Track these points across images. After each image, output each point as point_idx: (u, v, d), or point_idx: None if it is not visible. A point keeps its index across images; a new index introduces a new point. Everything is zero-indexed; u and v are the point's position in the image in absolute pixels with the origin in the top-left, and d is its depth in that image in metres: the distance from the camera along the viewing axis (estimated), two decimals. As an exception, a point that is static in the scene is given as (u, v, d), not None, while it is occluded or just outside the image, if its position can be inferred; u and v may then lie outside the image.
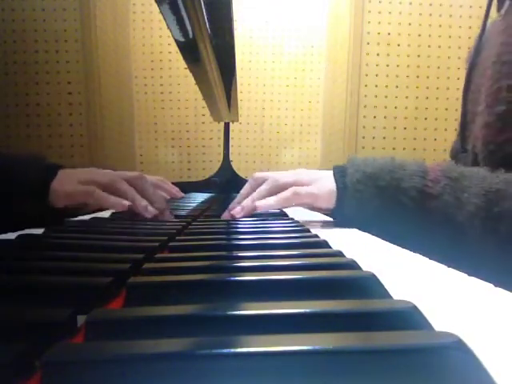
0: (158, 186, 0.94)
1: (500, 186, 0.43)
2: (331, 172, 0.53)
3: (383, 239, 0.45)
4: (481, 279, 0.24)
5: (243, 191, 0.59)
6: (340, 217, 0.53)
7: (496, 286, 0.23)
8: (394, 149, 1.27)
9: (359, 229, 0.49)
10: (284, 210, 0.68)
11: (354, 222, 0.50)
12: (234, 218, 0.55)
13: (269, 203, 0.53)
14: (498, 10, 0.62)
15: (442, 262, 0.28)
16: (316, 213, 0.78)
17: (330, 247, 0.33)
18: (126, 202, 0.52)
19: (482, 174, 0.45)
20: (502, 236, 0.42)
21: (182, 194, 1.01)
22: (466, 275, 0.25)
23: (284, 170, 0.66)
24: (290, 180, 0.54)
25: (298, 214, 0.67)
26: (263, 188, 0.55)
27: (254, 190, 0.57)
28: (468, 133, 0.65)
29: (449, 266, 0.27)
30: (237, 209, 0.55)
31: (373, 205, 0.48)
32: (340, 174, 0.52)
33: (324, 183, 0.52)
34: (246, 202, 0.55)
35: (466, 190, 0.44)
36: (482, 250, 0.44)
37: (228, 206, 0.59)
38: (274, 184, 0.55)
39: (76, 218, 0.55)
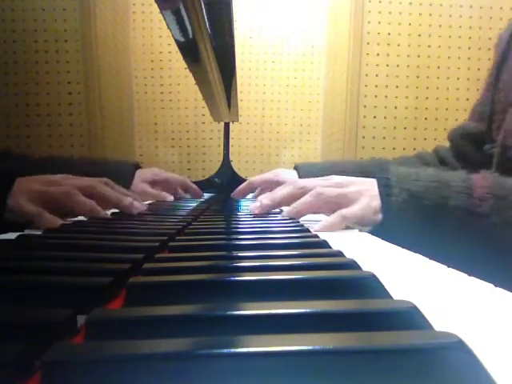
0: (184, 186, 0.92)
1: None
2: (375, 188, 0.50)
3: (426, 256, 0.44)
4: None
5: (281, 193, 0.56)
6: (381, 235, 0.51)
7: (496, 285, 0.23)
8: (394, 149, 1.27)
9: (401, 246, 0.47)
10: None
11: (396, 239, 0.48)
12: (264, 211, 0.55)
13: (324, 226, 0.49)
14: None
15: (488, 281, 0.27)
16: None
17: (330, 247, 0.33)
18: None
19: None
20: None
21: (202, 195, 0.99)
22: (465, 275, 0.25)
23: (284, 169, 0.66)
24: (334, 194, 0.51)
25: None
26: (308, 200, 0.52)
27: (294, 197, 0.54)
28: (495, 124, 0.63)
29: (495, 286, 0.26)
30: (287, 211, 0.54)
31: (417, 225, 0.47)
32: (385, 191, 0.49)
33: (369, 202, 0.49)
34: (291, 211, 0.53)
35: None
36: None
37: (228, 206, 0.59)
38: (318, 198, 0.52)
39: (76, 218, 0.55)
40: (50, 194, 0.50)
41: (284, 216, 0.53)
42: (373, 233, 0.52)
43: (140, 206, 0.57)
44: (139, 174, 0.79)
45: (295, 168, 0.85)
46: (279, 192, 0.56)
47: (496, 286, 0.23)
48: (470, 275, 0.32)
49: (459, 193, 0.45)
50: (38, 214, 0.48)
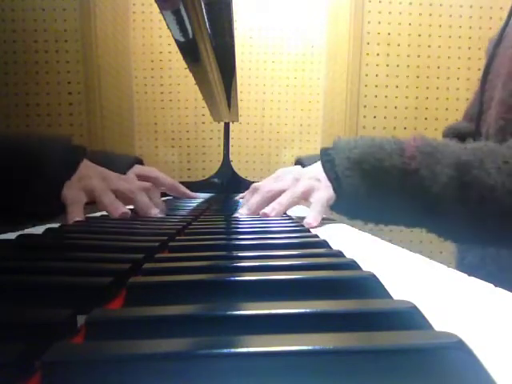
0: (172, 189, 0.93)
1: (468, 156, 0.47)
2: (319, 164, 0.56)
3: (377, 221, 0.51)
4: (453, 242, 0.26)
5: (254, 200, 0.61)
6: (340, 207, 0.55)
7: (496, 286, 0.23)
8: (393, 149, 1.27)
9: (355, 214, 0.53)
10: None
11: (351, 209, 0.53)
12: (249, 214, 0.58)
13: (315, 218, 0.53)
14: None
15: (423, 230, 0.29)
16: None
17: (330, 247, 0.33)
18: (124, 209, 0.54)
19: (452, 146, 0.49)
20: (472, 203, 0.46)
21: (196, 195, 1.00)
22: (465, 275, 0.25)
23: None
24: (301, 190, 0.56)
25: (298, 213, 0.67)
26: (285, 200, 0.57)
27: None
28: (482, 122, 0.67)
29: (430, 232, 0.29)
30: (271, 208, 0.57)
31: (362, 188, 0.51)
32: (328, 165, 0.54)
33: (324, 182, 0.54)
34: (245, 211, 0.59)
35: (439, 161, 0.48)
36: (456, 218, 0.48)
37: (228, 206, 0.59)
38: (265, 195, 0.58)
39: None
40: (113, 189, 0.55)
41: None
42: (334, 209, 0.57)
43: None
44: (134, 169, 0.81)
45: (298, 162, 0.87)
46: (252, 200, 0.60)
47: (496, 285, 0.23)
48: (409, 227, 0.36)
49: (392, 154, 0.50)
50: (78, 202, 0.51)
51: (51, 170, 0.51)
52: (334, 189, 0.53)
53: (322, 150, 0.56)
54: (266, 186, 0.62)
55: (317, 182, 0.55)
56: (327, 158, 0.55)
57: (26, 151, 0.50)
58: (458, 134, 0.76)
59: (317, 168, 0.56)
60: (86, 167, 0.55)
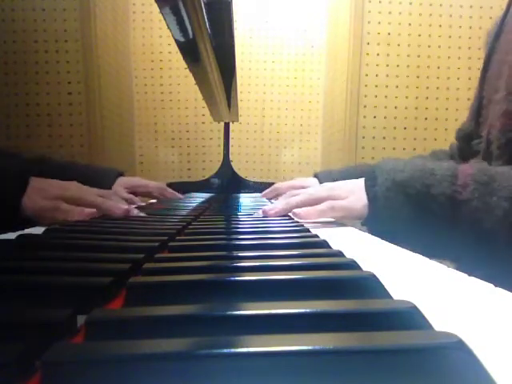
0: (161, 193, 0.96)
1: None
2: (363, 181, 0.54)
3: (415, 249, 0.43)
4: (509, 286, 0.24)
5: (297, 199, 0.60)
6: (373, 226, 0.53)
7: (496, 286, 0.23)
8: (393, 149, 1.27)
9: (392, 239, 0.47)
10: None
11: (386, 231, 0.49)
12: (266, 215, 0.57)
13: (309, 213, 0.54)
14: None
15: (472, 269, 0.27)
16: None
17: (330, 247, 0.33)
18: (89, 210, 0.55)
19: (510, 175, 0.44)
20: None
21: (181, 196, 1.02)
22: (466, 275, 0.25)
23: (284, 169, 0.66)
24: (324, 194, 0.55)
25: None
26: (298, 199, 0.56)
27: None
28: (482, 119, 0.65)
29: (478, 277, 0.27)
30: (272, 208, 0.57)
31: (403, 213, 0.48)
32: (370, 183, 0.52)
33: (357, 195, 0.53)
34: (283, 205, 0.57)
35: (494, 193, 0.43)
36: (508, 255, 0.43)
37: (228, 206, 0.59)
38: (308, 197, 0.56)
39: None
40: (64, 197, 0.54)
41: (297, 214, 0.56)
42: (365, 226, 0.55)
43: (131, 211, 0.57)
44: (119, 182, 0.86)
45: (315, 176, 0.89)
46: (294, 198, 0.58)
47: (496, 285, 0.23)
48: (458, 263, 0.32)
49: (442, 180, 0.46)
50: (56, 207, 0.53)
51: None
52: (370, 207, 0.51)
53: (365, 166, 0.55)
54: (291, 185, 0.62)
55: (348, 193, 0.54)
56: (371, 175, 0.53)
57: None
58: (462, 135, 0.76)
59: (358, 183, 0.55)
60: (40, 181, 0.55)
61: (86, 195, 0.57)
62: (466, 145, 0.71)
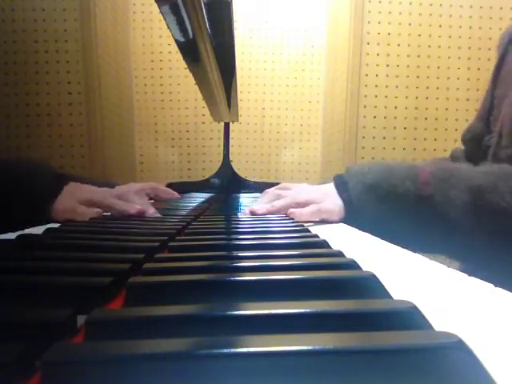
0: (157, 190, 0.96)
1: (481, 180, 0.47)
2: (333, 186, 0.57)
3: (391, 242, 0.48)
4: (472, 270, 0.25)
5: (263, 200, 0.64)
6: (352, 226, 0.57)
7: (496, 285, 0.23)
8: (393, 149, 1.27)
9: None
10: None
11: (362, 229, 0.53)
12: (253, 214, 0.59)
13: (301, 214, 0.56)
14: None
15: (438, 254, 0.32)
16: None
17: (330, 247, 0.33)
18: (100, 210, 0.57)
19: (465, 170, 0.50)
20: (487, 227, 0.46)
21: (177, 195, 1.02)
22: (466, 275, 0.25)
23: (284, 169, 0.66)
24: (306, 198, 0.58)
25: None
26: (282, 203, 0.59)
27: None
28: (493, 117, 0.67)
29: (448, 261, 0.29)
30: (260, 208, 0.60)
31: (377, 213, 0.52)
32: (343, 188, 0.56)
33: (333, 199, 0.56)
34: (269, 207, 0.60)
35: (453, 187, 0.48)
36: (472, 242, 0.48)
37: (228, 206, 0.60)
38: (292, 201, 0.59)
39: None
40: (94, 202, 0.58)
41: (292, 213, 0.57)
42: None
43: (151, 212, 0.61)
44: (113, 192, 0.87)
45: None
46: (279, 202, 0.61)
47: (496, 285, 0.23)
48: (425, 253, 0.35)
49: (405, 179, 0.51)
50: (72, 209, 0.55)
51: (35, 189, 0.54)
52: (346, 210, 0.54)
53: (335, 176, 0.58)
54: (279, 187, 0.65)
55: (325, 196, 0.57)
56: (340, 180, 0.56)
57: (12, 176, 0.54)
58: (472, 137, 0.77)
59: (327, 188, 0.58)
60: (73, 186, 0.60)
61: (104, 198, 0.59)
62: (476, 145, 0.73)
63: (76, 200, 0.56)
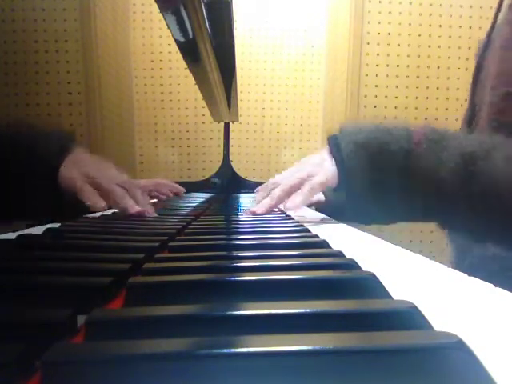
0: (160, 186, 0.96)
1: (475, 147, 0.47)
2: (326, 151, 0.56)
3: (378, 209, 0.51)
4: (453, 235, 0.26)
5: (258, 198, 0.62)
6: (347, 193, 0.54)
7: (496, 285, 0.23)
8: (393, 149, 1.27)
9: (356, 201, 0.52)
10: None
11: (352, 190, 0.53)
12: (254, 214, 0.58)
13: (295, 202, 0.55)
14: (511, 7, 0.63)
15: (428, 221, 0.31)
16: (316, 212, 0.78)
17: (330, 247, 0.33)
18: (103, 203, 0.56)
19: (459, 137, 0.50)
20: (476, 194, 0.46)
21: (183, 190, 1.02)
22: (465, 275, 0.25)
23: (284, 169, 0.67)
24: (300, 176, 0.56)
25: (298, 213, 0.67)
26: (279, 191, 0.57)
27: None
28: (475, 124, 0.67)
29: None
30: (260, 207, 0.58)
31: (369, 172, 0.51)
32: (335, 149, 0.54)
33: (325, 167, 0.55)
34: (269, 202, 0.58)
35: (445, 149, 0.48)
36: (459, 208, 0.48)
37: (228, 206, 0.59)
38: (288, 186, 0.57)
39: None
40: (96, 182, 0.56)
41: (287, 208, 0.56)
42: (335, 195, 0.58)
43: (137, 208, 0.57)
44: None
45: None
46: (276, 192, 0.59)
47: (496, 285, 0.23)
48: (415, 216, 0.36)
49: (399, 138, 0.50)
50: (80, 188, 0.54)
51: (43, 153, 0.54)
52: (338, 171, 0.53)
53: (328, 136, 0.56)
54: (270, 181, 0.64)
55: (317, 167, 0.56)
56: (334, 141, 0.55)
57: (17, 140, 0.54)
58: None
59: (322, 153, 0.57)
60: (80, 153, 0.58)
61: (107, 182, 0.57)
62: None
63: (80, 174, 0.55)
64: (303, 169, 0.58)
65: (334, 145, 0.54)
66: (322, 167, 0.55)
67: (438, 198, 0.49)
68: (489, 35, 0.67)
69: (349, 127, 0.56)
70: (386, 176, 0.50)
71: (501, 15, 0.65)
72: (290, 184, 0.57)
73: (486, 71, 0.65)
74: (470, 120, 0.69)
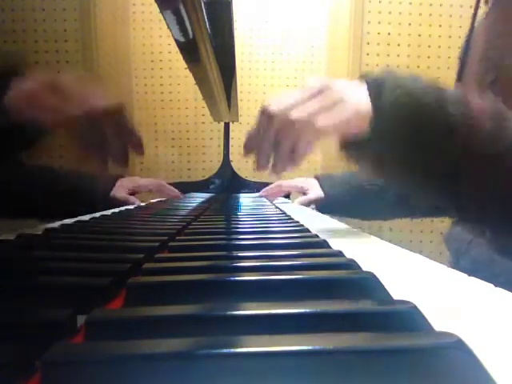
0: (158, 190, 1.01)
1: None
2: (363, 87, 0.43)
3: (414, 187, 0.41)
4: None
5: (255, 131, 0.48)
6: (373, 146, 0.42)
7: (496, 285, 0.23)
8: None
9: (387, 165, 0.42)
10: (285, 210, 0.68)
11: (384, 149, 0.42)
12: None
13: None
14: (486, 2, 0.63)
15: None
16: (316, 212, 0.78)
17: (330, 247, 0.33)
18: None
19: None
20: None
21: (180, 196, 1.04)
22: (465, 275, 0.25)
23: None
24: (336, 97, 0.42)
25: (299, 213, 0.67)
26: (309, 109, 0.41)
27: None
28: None
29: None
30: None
31: (413, 124, 0.40)
32: (376, 90, 0.42)
33: (354, 105, 0.42)
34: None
35: (507, 126, 0.40)
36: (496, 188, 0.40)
37: (228, 206, 0.59)
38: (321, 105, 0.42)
39: (76, 218, 0.55)
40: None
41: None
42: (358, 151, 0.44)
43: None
44: (120, 183, 0.96)
45: (315, 178, 0.94)
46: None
47: (496, 286, 0.23)
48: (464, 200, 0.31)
49: (458, 102, 0.41)
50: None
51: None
52: (375, 117, 0.41)
53: (367, 75, 0.44)
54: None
55: (349, 95, 0.42)
56: (375, 83, 0.43)
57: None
58: None
59: (358, 87, 0.43)
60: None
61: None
62: None
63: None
64: (325, 92, 0.43)
65: (375, 86, 0.42)
66: (348, 100, 0.42)
67: (491, 171, 0.41)
68: (468, 40, 0.66)
69: (396, 72, 0.44)
70: (438, 139, 0.40)
71: (479, 13, 0.65)
72: (324, 104, 0.41)
73: (467, 77, 0.65)
74: None
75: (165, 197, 1.03)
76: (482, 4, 0.63)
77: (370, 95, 0.42)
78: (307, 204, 0.92)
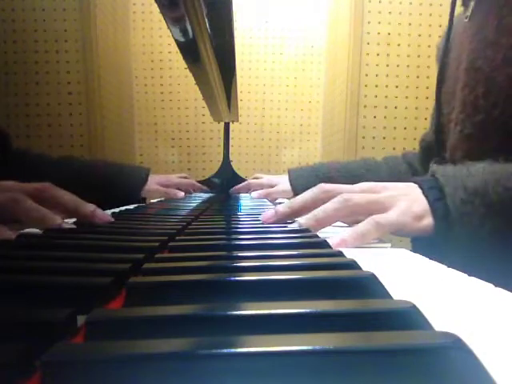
0: (193, 187, 1.14)
1: None
2: (415, 192, 0.42)
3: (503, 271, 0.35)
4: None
5: (301, 199, 0.47)
6: (442, 248, 0.40)
7: (496, 285, 0.23)
8: (394, 149, 1.27)
9: (472, 262, 0.37)
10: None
11: (462, 252, 0.39)
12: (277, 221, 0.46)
13: (344, 240, 0.38)
14: (464, 3, 0.61)
15: None
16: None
17: (330, 247, 0.33)
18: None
19: None
20: None
21: (182, 194, 1.07)
22: (465, 275, 0.25)
23: (284, 169, 0.66)
24: (364, 201, 0.42)
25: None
26: (331, 207, 0.42)
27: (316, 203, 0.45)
28: (444, 136, 0.64)
29: None
30: (306, 218, 0.44)
31: (487, 229, 0.38)
32: (433, 191, 0.40)
33: (409, 207, 0.40)
34: (310, 220, 0.43)
35: None
36: None
37: (228, 206, 0.59)
38: (345, 204, 0.42)
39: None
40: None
41: (301, 225, 0.43)
42: (418, 245, 0.44)
43: (102, 215, 0.48)
44: (153, 180, 1.02)
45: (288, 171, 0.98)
46: (299, 198, 0.47)
47: (496, 285, 0.23)
48: None
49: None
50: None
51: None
52: (440, 227, 0.39)
53: (420, 180, 0.43)
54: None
55: (397, 200, 0.41)
56: (429, 184, 0.41)
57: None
58: (427, 147, 0.76)
59: (408, 187, 0.43)
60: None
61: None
62: (429, 157, 0.70)
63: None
64: (375, 191, 0.43)
65: (431, 188, 0.41)
66: (402, 202, 0.41)
67: None
68: (446, 39, 0.65)
69: (447, 169, 0.43)
70: (506, 231, 0.38)
71: (456, 13, 0.63)
72: (347, 205, 0.41)
73: (450, 79, 0.63)
74: (437, 129, 0.66)
75: (189, 192, 1.14)
76: (458, 6, 0.62)
77: (428, 200, 0.40)
78: (270, 197, 0.99)
